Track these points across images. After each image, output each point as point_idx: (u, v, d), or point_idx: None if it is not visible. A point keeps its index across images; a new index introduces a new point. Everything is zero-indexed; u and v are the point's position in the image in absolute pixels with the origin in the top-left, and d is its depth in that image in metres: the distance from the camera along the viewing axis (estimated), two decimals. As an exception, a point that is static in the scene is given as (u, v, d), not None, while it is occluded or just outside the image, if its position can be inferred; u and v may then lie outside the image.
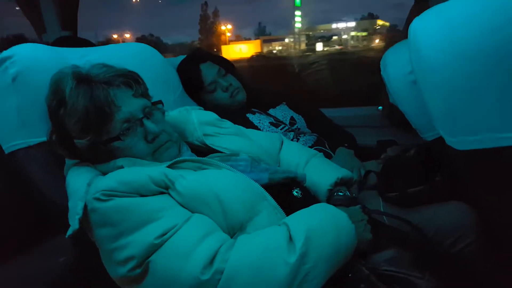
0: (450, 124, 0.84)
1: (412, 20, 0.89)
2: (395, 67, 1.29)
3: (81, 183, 0.87)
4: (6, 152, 1.11)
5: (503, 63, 0.71)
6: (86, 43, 1.93)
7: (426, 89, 0.89)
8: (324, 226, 0.79)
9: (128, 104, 0.92)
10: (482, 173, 0.86)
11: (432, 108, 0.90)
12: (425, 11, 0.87)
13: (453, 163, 0.94)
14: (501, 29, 0.71)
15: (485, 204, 0.95)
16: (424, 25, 0.85)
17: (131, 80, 0.95)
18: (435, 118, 0.91)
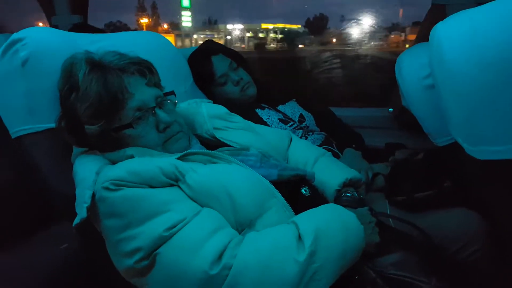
0: (470, 133, 0.84)
1: (428, 23, 0.88)
2: (410, 70, 1.27)
3: (89, 172, 0.86)
4: (13, 136, 1.09)
5: None
6: (97, 31, 1.92)
7: (447, 95, 0.88)
8: (333, 226, 0.78)
9: (141, 92, 0.91)
10: (499, 182, 0.86)
11: (451, 115, 0.89)
12: (450, 16, 0.86)
13: (466, 170, 0.93)
14: None
15: (498, 213, 0.94)
16: (449, 31, 0.84)
17: (144, 69, 0.94)
18: (454, 126, 0.90)
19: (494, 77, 0.75)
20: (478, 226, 1.07)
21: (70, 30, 1.84)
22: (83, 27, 1.83)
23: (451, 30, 0.84)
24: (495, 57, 0.74)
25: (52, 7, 2.08)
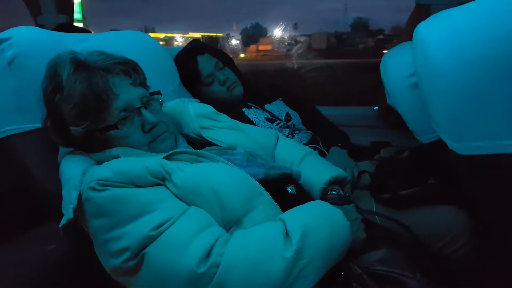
0: (453, 129, 0.85)
1: (412, 23, 0.90)
2: (395, 69, 1.29)
3: (75, 172, 0.86)
4: (0, 137, 1.08)
5: (510, 71, 0.72)
6: (82, 31, 1.90)
7: (431, 93, 0.89)
8: (320, 222, 0.79)
9: (126, 93, 0.91)
10: (482, 177, 0.87)
11: (435, 113, 0.91)
12: (432, 16, 0.88)
13: (451, 167, 0.95)
14: (508, 38, 0.71)
15: (482, 208, 0.96)
16: (432, 30, 0.85)
17: (130, 69, 0.94)
18: (438, 123, 0.91)
19: (476, 74, 0.76)
20: (462, 222, 1.09)
21: (55, 29, 1.82)
22: (67, 27, 1.82)
23: (434, 29, 0.85)
24: (476, 55, 0.75)
25: (38, 6, 2.06)
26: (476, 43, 0.76)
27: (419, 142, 1.27)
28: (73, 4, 2.18)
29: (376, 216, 1.09)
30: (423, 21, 0.89)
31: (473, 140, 0.80)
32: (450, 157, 0.89)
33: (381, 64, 1.37)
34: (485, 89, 0.76)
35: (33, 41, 1.11)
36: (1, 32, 1.08)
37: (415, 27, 0.92)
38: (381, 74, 1.37)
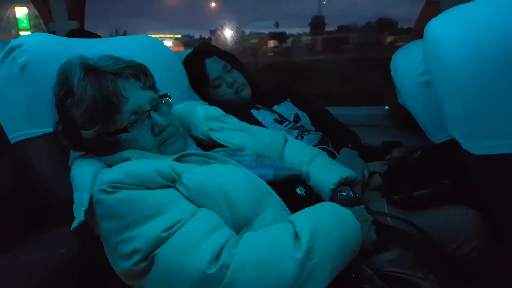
0: (467, 128, 0.83)
1: (422, 20, 0.88)
2: (406, 68, 1.28)
3: (86, 175, 0.87)
4: (12, 142, 1.10)
5: None
6: (93, 36, 1.93)
7: (444, 91, 0.88)
8: (329, 223, 0.79)
9: (136, 96, 0.92)
10: (497, 177, 0.86)
11: (448, 111, 0.89)
12: (443, 12, 0.86)
13: (464, 167, 0.93)
14: None
15: (497, 209, 0.94)
16: (444, 27, 0.84)
17: (139, 72, 0.95)
18: (451, 121, 0.90)
19: (491, 70, 0.75)
20: (476, 224, 1.07)
21: (67, 35, 1.86)
22: (79, 33, 1.84)
23: (446, 26, 0.84)
24: (490, 50, 0.74)
25: (49, 13, 2.09)
26: (490, 38, 0.74)
27: (432, 142, 1.25)
28: (83, 10, 2.21)
29: (389, 218, 1.08)
30: (434, 18, 0.88)
31: (487, 139, 0.79)
32: (464, 157, 0.87)
33: (391, 63, 1.36)
34: (500, 84, 0.74)
35: (44, 48, 1.13)
36: (13, 40, 1.11)
37: (425, 24, 0.91)
38: (391, 73, 1.35)
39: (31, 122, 1.10)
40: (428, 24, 0.89)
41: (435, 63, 0.88)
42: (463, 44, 0.78)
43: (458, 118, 0.86)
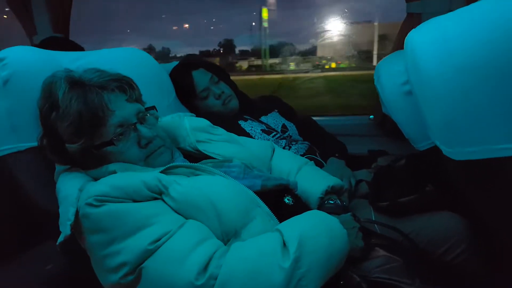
0: (447, 135, 0.85)
1: (404, 32, 0.91)
2: (388, 78, 1.30)
3: (72, 189, 0.86)
4: None
5: (498, 76, 0.73)
6: (74, 45, 1.93)
7: (424, 100, 0.90)
8: (316, 231, 0.79)
9: (122, 109, 0.91)
10: (477, 182, 0.88)
11: (429, 119, 0.91)
12: (421, 24, 0.89)
13: (447, 173, 0.95)
14: (495, 43, 0.73)
15: (481, 213, 0.96)
16: (421, 38, 0.87)
17: (125, 85, 0.94)
18: (432, 129, 0.92)
19: (467, 80, 0.77)
20: (462, 228, 1.08)
21: (41, 42, 1.84)
22: (61, 41, 1.83)
23: (423, 37, 0.87)
24: (466, 61, 0.76)
25: (33, 26, 2.08)
26: (465, 49, 0.77)
27: (416, 150, 1.27)
28: (69, 23, 2.20)
29: (376, 225, 1.09)
30: (413, 29, 0.90)
31: (467, 145, 0.81)
32: (446, 163, 0.89)
33: (374, 73, 1.39)
34: (476, 94, 0.76)
35: (27, 61, 1.12)
36: None
37: (406, 35, 0.93)
38: (375, 83, 1.38)
39: (14, 136, 1.08)
40: (408, 35, 0.92)
41: (415, 73, 0.91)
42: (440, 55, 0.81)
43: (438, 126, 0.88)
